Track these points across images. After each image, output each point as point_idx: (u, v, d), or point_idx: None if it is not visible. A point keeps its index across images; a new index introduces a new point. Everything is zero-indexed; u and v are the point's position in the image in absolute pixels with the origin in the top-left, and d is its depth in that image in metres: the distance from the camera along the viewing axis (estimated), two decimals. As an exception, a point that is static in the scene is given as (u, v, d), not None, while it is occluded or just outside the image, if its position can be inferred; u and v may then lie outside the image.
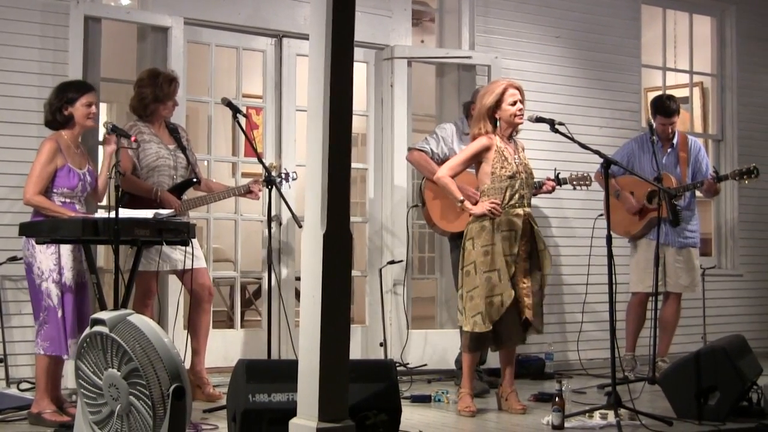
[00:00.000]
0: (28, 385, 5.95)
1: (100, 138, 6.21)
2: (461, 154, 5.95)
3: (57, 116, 5.46)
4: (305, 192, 4.54)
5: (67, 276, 5.34)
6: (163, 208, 5.70)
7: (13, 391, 5.90)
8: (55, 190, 5.40)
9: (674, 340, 7.48)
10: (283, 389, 4.72)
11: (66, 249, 5.35)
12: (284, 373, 4.76)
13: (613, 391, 5.36)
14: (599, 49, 8.45)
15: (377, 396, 4.90)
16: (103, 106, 7.25)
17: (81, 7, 6.22)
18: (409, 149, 6.93)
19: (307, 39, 4.64)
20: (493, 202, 5.68)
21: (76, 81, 5.72)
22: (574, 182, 6.83)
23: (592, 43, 8.41)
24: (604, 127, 8.29)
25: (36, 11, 6.22)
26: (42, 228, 5.19)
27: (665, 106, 7.23)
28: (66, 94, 5.46)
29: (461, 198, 5.80)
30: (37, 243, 5.26)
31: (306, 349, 4.45)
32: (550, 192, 6.66)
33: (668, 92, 8.75)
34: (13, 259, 5.91)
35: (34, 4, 6.22)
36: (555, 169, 6.82)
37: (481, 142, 5.77)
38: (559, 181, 6.75)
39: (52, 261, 5.31)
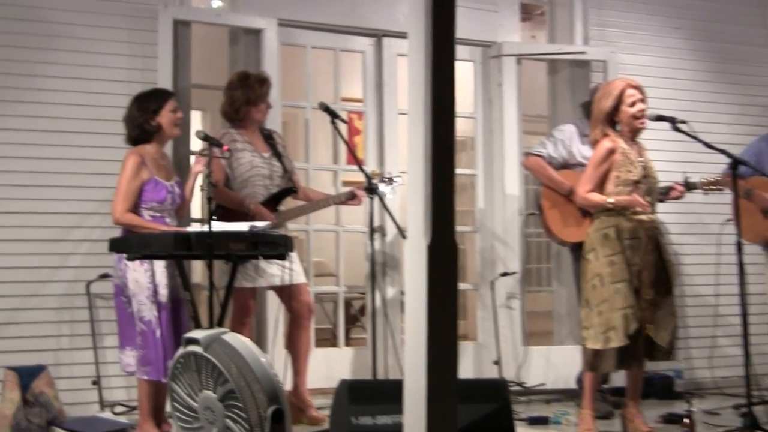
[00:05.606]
0: (123, 409, 5.84)
1: (191, 147, 6.14)
2: (589, 165, 5.58)
3: (146, 128, 5.30)
4: (407, 201, 4.33)
5: (162, 293, 5.17)
6: (257, 220, 5.48)
7: (107, 414, 5.77)
8: (143, 206, 5.25)
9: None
10: (388, 411, 4.69)
11: (160, 265, 5.18)
12: (389, 393, 4.61)
13: (749, 413, 5.14)
14: (724, 39, 8.10)
15: (488, 418, 4.82)
16: (195, 114, 7.29)
17: (169, 10, 6.13)
18: (525, 154, 6.68)
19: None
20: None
21: (152, 90, 5.55)
22: (705, 187, 6.42)
23: (716, 33, 8.08)
24: (732, 125, 7.87)
25: (122, 16, 6.15)
26: (132, 243, 5.02)
27: None
28: (148, 105, 5.32)
29: (611, 200, 5.43)
30: (128, 259, 5.09)
31: (412, 368, 4.19)
32: (678, 198, 6.32)
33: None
34: (105, 276, 5.78)
35: (120, 10, 6.15)
36: (684, 173, 6.47)
37: (605, 146, 5.46)
38: (688, 186, 6.38)
39: (147, 278, 5.14)
